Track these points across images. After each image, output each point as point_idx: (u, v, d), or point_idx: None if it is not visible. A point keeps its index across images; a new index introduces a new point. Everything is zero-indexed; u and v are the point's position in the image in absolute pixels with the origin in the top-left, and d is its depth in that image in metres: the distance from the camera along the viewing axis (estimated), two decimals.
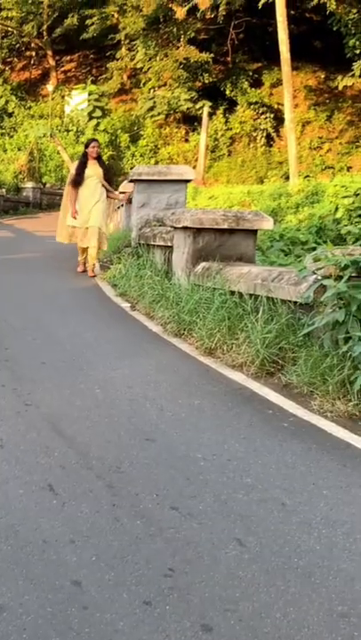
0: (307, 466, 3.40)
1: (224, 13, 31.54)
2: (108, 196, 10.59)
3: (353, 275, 4.48)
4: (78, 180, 10.11)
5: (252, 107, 38.65)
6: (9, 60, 46.32)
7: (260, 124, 38.60)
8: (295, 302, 5.18)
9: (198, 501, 2.96)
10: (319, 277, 4.76)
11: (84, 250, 10.35)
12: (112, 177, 10.61)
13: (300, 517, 2.86)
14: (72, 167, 10.71)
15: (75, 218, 10.18)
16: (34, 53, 47.18)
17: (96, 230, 10.07)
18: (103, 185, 10.29)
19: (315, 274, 4.86)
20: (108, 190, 10.50)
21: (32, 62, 47.59)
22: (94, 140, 10.81)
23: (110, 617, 2.20)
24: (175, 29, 37.40)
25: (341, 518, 2.87)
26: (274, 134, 38.66)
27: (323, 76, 39.46)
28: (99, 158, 10.38)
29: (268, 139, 38.75)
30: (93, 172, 10.12)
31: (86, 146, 10.43)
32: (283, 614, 2.23)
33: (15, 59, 46.98)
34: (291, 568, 2.49)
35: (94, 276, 9.95)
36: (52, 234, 18.54)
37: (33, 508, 2.88)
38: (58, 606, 2.24)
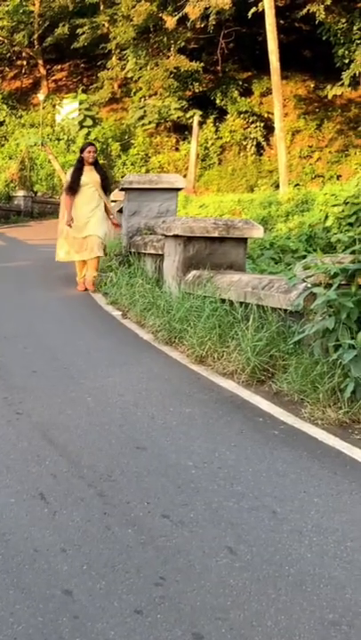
0: (297, 474, 3.40)
1: (214, 23, 31.72)
2: None
3: (342, 282, 4.51)
4: (73, 188, 9.23)
5: (242, 116, 38.83)
6: (0, 69, 46.39)
7: (250, 132, 38.77)
8: (285, 310, 5.20)
9: (189, 509, 2.96)
10: (309, 285, 4.78)
11: (83, 264, 9.50)
12: (109, 184, 9.78)
13: (291, 525, 2.87)
14: (67, 174, 9.79)
15: (70, 226, 9.27)
16: (25, 62, 47.26)
17: (95, 240, 9.21)
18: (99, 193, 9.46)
19: (305, 282, 4.89)
20: (105, 202, 9.55)
21: (23, 71, 47.66)
22: (90, 144, 9.76)
23: (101, 626, 2.19)
24: (165, 39, 37.58)
25: (332, 526, 2.88)
26: (264, 143, 38.84)
27: (312, 86, 39.70)
28: (96, 164, 9.40)
29: (259, 147, 38.92)
30: (90, 178, 9.24)
31: (82, 150, 9.39)
32: (274, 622, 2.23)
33: (6, 68, 47.05)
34: (282, 576, 2.49)
35: (95, 292, 9.20)
36: (44, 242, 18.63)
37: (24, 516, 2.88)
38: (49, 616, 2.23)
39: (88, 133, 39.08)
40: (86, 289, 9.36)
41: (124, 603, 2.31)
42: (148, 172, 35.54)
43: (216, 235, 6.96)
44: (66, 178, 9.83)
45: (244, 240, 7.20)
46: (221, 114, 39.73)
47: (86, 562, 2.54)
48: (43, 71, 46.09)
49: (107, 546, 2.65)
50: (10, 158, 36.04)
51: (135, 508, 2.97)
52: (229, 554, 2.62)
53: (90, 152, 9.22)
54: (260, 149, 39.01)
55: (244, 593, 2.38)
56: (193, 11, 29.63)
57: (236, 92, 39.50)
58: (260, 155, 38.91)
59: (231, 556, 2.61)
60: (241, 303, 5.72)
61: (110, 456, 3.53)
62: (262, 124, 38.59)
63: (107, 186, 9.44)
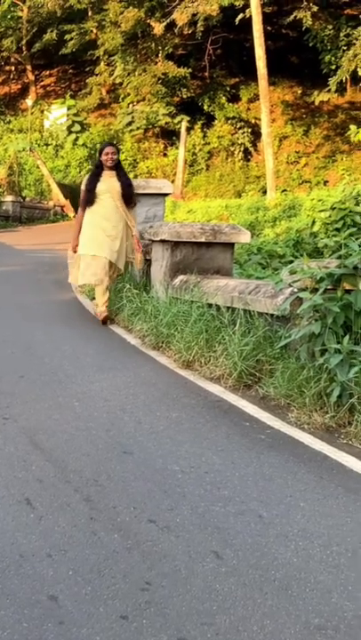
0: (284, 478, 3.41)
1: (202, 29, 31.81)
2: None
3: (329, 287, 4.52)
4: (89, 198, 7.52)
5: (229, 121, 38.97)
6: None
7: (237, 138, 38.91)
8: (272, 315, 5.22)
9: (176, 514, 2.96)
10: (295, 290, 4.80)
11: (105, 288, 7.51)
12: (132, 194, 7.69)
13: (277, 530, 2.87)
14: (83, 182, 7.96)
15: (75, 248, 7.64)
16: (13, 68, 47.28)
17: (103, 263, 7.39)
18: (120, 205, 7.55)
19: (291, 286, 4.91)
20: (127, 216, 7.61)
21: (11, 77, 47.66)
22: (109, 144, 8.07)
23: (87, 632, 2.18)
24: (153, 45, 37.66)
25: (318, 530, 2.88)
26: (251, 149, 39.00)
27: (299, 92, 39.90)
28: (118, 169, 7.65)
29: (246, 153, 39.06)
30: (109, 186, 7.49)
31: (100, 152, 7.71)
32: (260, 627, 2.23)
33: None
34: (268, 580, 2.50)
35: (106, 321, 7.45)
36: (33, 247, 18.60)
37: (10, 522, 2.86)
38: (34, 621, 2.22)
39: (76, 139, 39.15)
40: (106, 320, 7.49)
41: (109, 608, 2.30)
42: (136, 177, 35.57)
43: (203, 240, 6.97)
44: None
45: (231, 245, 7.22)
46: (209, 120, 39.86)
47: (72, 567, 2.53)
48: (31, 77, 46.08)
49: (93, 551, 2.65)
50: None
51: (121, 512, 2.96)
52: (215, 558, 2.62)
53: (108, 154, 7.55)
54: (247, 155, 39.16)
55: (229, 598, 2.38)
56: (181, 17, 29.73)
57: (223, 97, 39.65)
58: (248, 160, 39.05)
59: (217, 561, 2.61)
60: (228, 308, 5.73)
61: (97, 461, 3.52)
62: (250, 130, 38.75)
63: (129, 196, 7.56)
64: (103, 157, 7.58)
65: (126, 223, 7.58)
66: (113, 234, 7.46)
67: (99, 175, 7.60)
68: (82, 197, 7.78)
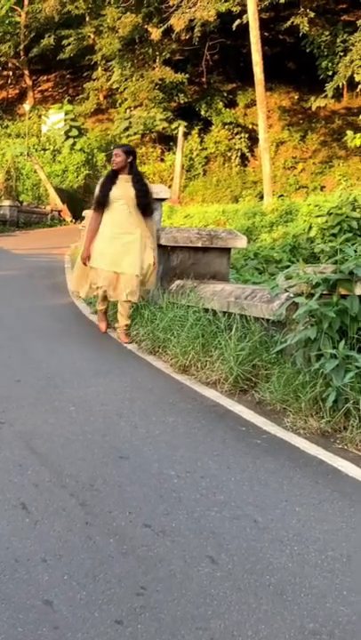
0: (279, 483, 3.41)
1: (199, 35, 31.97)
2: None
3: (324, 292, 4.54)
4: (101, 203, 6.78)
5: (226, 127, 39.12)
6: None
7: (234, 143, 39.05)
8: (268, 320, 5.23)
9: (171, 519, 2.96)
10: (291, 295, 4.81)
11: (106, 296, 6.99)
12: (149, 202, 6.91)
13: (273, 534, 2.87)
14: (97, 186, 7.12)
15: (86, 260, 6.87)
16: (11, 73, 47.40)
17: (132, 279, 6.67)
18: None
19: (287, 292, 4.92)
20: (144, 227, 6.80)
21: (9, 81, 47.79)
22: (120, 146, 7.16)
23: (81, 636, 2.18)
24: (151, 50, 37.83)
25: (313, 535, 2.88)
26: (248, 154, 39.13)
27: (296, 97, 40.07)
28: (134, 173, 6.86)
29: (243, 158, 39.20)
30: (122, 192, 6.72)
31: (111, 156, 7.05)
32: (254, 632, 2.23)
33: None
34: (263, 585, 2.50)
35: (130, 343, 6.66)
36: (30, 252, 18.63)
37: (5, 526, 2.86)
38: (28, 626, 2.22)
39: (74, 144, 39.23)
40: (107, 329, 7.19)
41: (104, 613, 2.30)
42: None
43: (200, 245, 6.99)
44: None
45: (228, 250, 7.24)
46: (206, 125, 39.99)
47: (67, 572, 2.53)
48: (29, 82, 46.20)
49: (88, 556, 2.65)
50: None
51: (117, 517, 2.96)
52: (211, 563, 2.62)
53: (115, 156, 6.84)
54: (244, 160, 39.29)
55: (224, 602, 2.38)
56: (178, 23, 29.85)
57: (220, 103, 39.79)
58: (245, 166, 39.18)
59: (212, 566, 2.61)
60: (224, 313, 5.74)
61: (93, 465, 3.52)
62: (247, 136, 38.89)
63: (145, 204, 6.76)
64: (112, 161, 6.90)
65: (145, 233, 6.77)
66: (127, 245, 6.68)
67: (114, 179, 6.81)
68: (94, 201, 7.01)
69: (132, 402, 4.70)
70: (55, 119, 40.49)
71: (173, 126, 38.57)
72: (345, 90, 34.88)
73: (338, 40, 32.59)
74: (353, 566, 2.65)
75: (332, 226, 11.14)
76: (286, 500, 3.21)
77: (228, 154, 39.10)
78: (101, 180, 7.09)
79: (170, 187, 31.76)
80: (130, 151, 6.93)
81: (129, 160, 6.80)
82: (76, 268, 7.38)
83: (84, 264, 6.90)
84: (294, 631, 2.24)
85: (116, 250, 6.65)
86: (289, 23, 31.08)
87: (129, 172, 6.79)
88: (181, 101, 39.67)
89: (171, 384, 5.23)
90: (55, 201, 36.73)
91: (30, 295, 10.11)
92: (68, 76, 48.31)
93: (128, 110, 40.51)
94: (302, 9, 31.47)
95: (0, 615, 2.27)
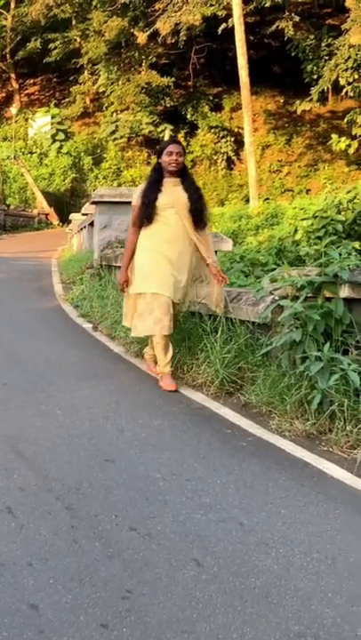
0: (265, 485, 3.42)
1: (185, 39, 32.00)
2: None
3: (309, 295, 4.56)
4: (147, 214, 5.28)
5: (212, 130, 39.20)
6: None
7: (220, 147, 39.15)
8: (253, 322, 5.24)
9: (157, 522, 2.96)
10: (276, 298, 4.83)
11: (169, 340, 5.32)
12: (204, 209, 5.40)
13: (258, 537, 2.88)
14: (136, 192, 5.59)
15: (122, 290, 5.61)
16: None
17: (168, 304, 5.17)
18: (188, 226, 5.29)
19: (272, 294, 4.94)
20: (198, 240, 5.32)
21: None
22: (174, 141, 5.51)
23: None
24: (137, 54, 37.85)
25: (299, 537, 2.89)
26: (234, 157, 39.24)
27: (282, 101, 40.22)
28: (184, 175, 5.43)
29: (229, 162, 39.30)
30: (173, 198, 5.28)
31: (160, 153, 5.42)
32: (240, 635, 2.24)
33: None
34: (248, 588, 2.50)
35: (176, 389, 5.14)
36: (17, 255, 18.55)
37: None
38: (14, 630, 2.21)
39: (60, 147, 39.20)
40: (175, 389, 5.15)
41: (89, 617, 2.30)
42: (120, 185, 35.64)
43: None
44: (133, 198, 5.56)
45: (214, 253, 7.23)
46: (192, 128, 40.07)
47: (53, 576, 2.53)
48: (15, 85, 46.09)
49: (74, 559, 2.64)
50: None
51: (103, 521, 2.96)
52: (196, 566, 2.63)
53: (172, 154, 5.27)
54: (230, 164, 39.39)
55: (210, 605, 2.38)
56: (164, 26, 29.86)
57: (206, 106, 39.89)
58: (231, 169, 39.29)
59: (198, 569, 2.61)
60: (210, 316, 5.75)
61: (79, 469, 3.51)
62: (233, 139, 38.99)
63: (199, 212, 5.34)
64: (165, 159, 5.29)
65: (195, 249, 5.37)
66: (179, 264, 5.28)
67: (159, 183, 5.34)
68: (134, 214, 5.41)
69: (119, 405, 4.69)
70: (42, 122, 40.44)
71: (159, 130, 38.63)
72: (330, 93, 35.05)
73: (323, 44, 32.76)
74: (338, 568, 2.66)
75: (318, 229, 11.17)
76: (272, 502, 3.22)
77: (214, 157, 39.19)
78: (142, 186, 5.52)
79: None
80: (185, 149, 5.57)
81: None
82: (125, 301, 5.69)
83: (122, 291, 5.62)
84: (280, 634, 2.25)
85: (164, 270, 5.22)
86: (274, 27, 31.20)
87: (176, 173, 5.35)
88: (167, 105, 39.73)
89: (157, 387, 5.23)
90: (42, 204, 36.67)
91: (17, 298, 10.09)
92: (54, 79, 48.23)
93: (114, 114, 40.52)
94: (287, 13, 31.61)
95: None
